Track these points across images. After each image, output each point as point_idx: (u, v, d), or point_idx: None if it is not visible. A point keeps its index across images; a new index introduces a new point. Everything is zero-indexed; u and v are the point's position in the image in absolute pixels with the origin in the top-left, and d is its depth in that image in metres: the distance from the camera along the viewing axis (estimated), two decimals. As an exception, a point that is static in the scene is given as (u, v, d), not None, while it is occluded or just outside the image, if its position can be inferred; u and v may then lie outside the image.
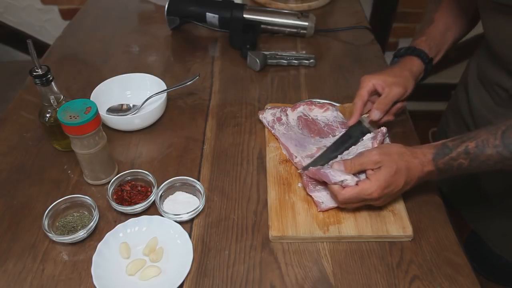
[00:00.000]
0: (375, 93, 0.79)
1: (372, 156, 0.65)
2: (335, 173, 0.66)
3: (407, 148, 0.66)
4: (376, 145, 0.72)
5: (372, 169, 0.65)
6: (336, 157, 0.75)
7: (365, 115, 0.79)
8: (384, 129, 0.75)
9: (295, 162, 0.77)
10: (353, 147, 0.75)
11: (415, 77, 0.80)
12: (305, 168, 0.74)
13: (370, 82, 0.77)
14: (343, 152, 0.76)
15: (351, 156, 0.71)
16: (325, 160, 0.75)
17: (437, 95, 1.99)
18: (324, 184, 0.69)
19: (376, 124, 0.79)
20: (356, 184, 0.65)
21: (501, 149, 0.60)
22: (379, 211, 0.70)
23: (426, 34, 0.83)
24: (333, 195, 0.68)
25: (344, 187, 0.66)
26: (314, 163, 0.74)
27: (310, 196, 0.71)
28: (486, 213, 0.87)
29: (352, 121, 0.78)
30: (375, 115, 0.76)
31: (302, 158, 0.76)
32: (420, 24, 0.89)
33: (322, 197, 0.70)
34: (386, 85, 0.76)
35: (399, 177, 0.64)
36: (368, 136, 0.76)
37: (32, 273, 0.64)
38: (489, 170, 0.63)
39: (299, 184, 0.75)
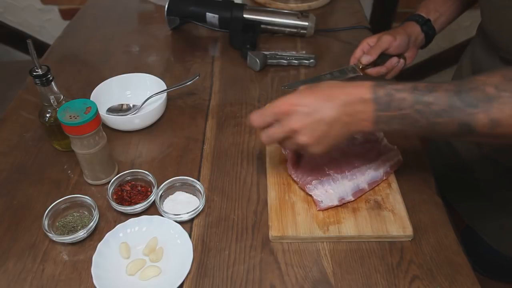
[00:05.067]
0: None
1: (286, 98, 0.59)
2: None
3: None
4: (388, 165, 0.74)
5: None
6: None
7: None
8: (395, 147, 0.77)
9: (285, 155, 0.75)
10: (363, 166, 0.73)
11: (408, 34, 0.87)
12: (290, 86, 0.86)
13: (365, 41, 0.90)
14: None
15: (364, 176, 0.72)
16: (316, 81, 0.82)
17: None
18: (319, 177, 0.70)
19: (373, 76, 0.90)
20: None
21: (452, 93, 0.52)
22: (379, 211, 0.70)
23: (427, 0, 0.91)
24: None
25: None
26: (302, 83, 0.83)
27: (310, 195, 0.71)
28: (481, 208, 0.87)
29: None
30: (364, 58, 0.88)
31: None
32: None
33: (322, 195, 0.70)
34: (377, 37, 0.88)
35: (312, 93, 0.57)
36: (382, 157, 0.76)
37: (32, 273, 0.64)
38: (434, 124, 0.53)
39: (299, 184, 0.75)
